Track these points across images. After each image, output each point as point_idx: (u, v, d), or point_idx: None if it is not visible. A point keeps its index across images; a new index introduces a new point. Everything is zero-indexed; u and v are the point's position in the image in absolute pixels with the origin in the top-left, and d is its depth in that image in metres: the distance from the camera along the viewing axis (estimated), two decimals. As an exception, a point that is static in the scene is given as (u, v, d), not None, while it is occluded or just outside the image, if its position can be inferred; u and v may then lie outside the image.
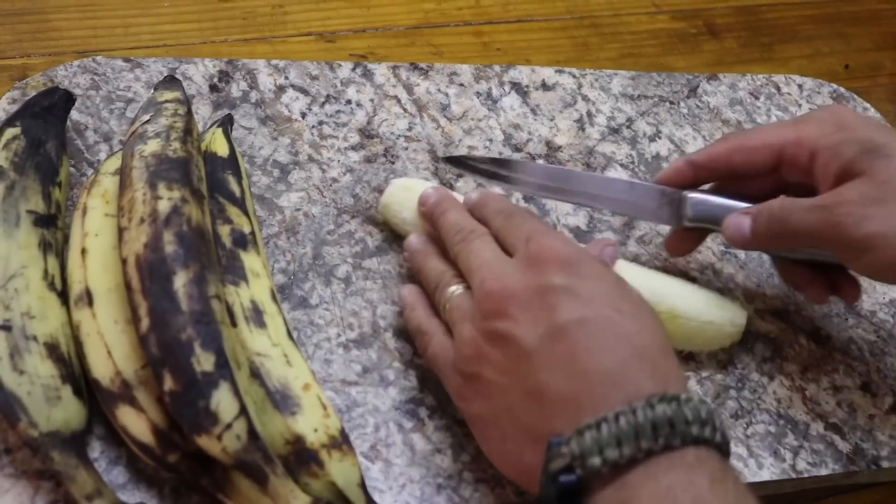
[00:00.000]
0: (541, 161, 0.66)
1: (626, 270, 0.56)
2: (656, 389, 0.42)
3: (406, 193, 0.58)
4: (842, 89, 0.75)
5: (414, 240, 0.56)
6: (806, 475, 0.55)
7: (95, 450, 0.48)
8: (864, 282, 0.63)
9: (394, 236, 0.60)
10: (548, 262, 0.47)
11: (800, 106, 0.73)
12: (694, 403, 0.41)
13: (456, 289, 0.51)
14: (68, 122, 0.59)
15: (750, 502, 0.40)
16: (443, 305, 0.51)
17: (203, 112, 0.63)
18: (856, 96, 0.75)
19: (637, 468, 0.40)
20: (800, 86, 0.74)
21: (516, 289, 0.47)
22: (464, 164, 0.61)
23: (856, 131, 0.52)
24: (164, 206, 0.48)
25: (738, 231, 0.54)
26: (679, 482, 0.39)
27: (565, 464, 0.41)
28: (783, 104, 0.73)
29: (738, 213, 0.54)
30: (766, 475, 0.54)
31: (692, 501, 0.39)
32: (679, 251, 0.60)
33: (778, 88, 0.74)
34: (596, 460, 0.40)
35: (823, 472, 0.55)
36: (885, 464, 0.56)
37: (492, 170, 0.60)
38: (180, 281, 0.45)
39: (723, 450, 0.42)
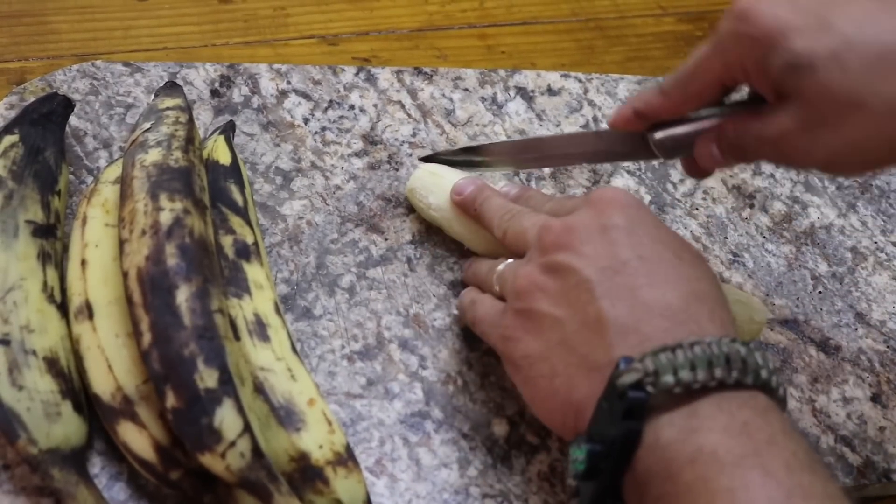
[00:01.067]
0: (547, 168, 0.65)
1: None
2: (717, 332, 0.42)
3: (432, 179, 0.58)
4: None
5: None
6: (816, 489, 0.54)
7: (96, 465, 0.48)
8: (874, 291, 0.63)
9: (399, 245, 0.59)
10: (610, 204, 0.47)
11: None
12: (762, 352, 0.41)
13: (507, 262, 0.51)
14: (67, 129, 0.58)
15: (814, 457, 0.40)
16: (494, 279, 0.51)
17: (204, 118, 0.62)
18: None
19: (708, 397, 0.40)
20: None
21: (577, 224, 0.47)
22: (440, 160, 0.60)
23: (775, 40, 0.46)
24: (165, 218, 0.47)
25: (711, 160, 0.51)
26: (754, 420, 0.39)
27: (636, 379, 0.40)
28: (791, 109, 0.72)
29: (705, 139, 0.51)
30: (776, 489, 0.54)
31: (768, 441, 0.39)
32: (696, 173, 0.55)
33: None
34: (669, 378, 0.40)
35: (834, 485, 0.54)
36: (895, 477, 0.55)
37: (467, 159, 0.60)
38: (183, 295, 0.44)
39: (783, 402, 0.42)
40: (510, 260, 0.51)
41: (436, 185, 0.58)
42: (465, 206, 0.56)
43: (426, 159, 0.61)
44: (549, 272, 0.46)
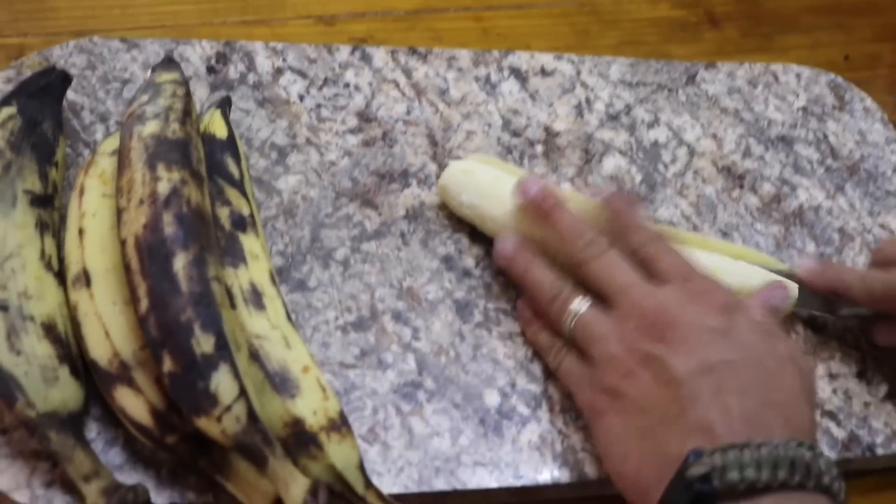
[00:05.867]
0: (539, 147, 0.65)
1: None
2: (788, 436, 0.44)
3: (465, 176, 0.59)
4: (839, 79, 0.75)
5: (509, 245, 0.56)
6: (802, 462, 0.55)
7: (92, 431, 0.48)
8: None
9: (392, 220, 0.59)
10: (709, 302, 0.49)
11: (797, 95, 0.73)
12: (826, 458, 0.43)
13: (582, 303, 0.52)
14: (64, 103, 0.58)
15: None
16: (566, 319, 0.52)
17: (200, 94, 0.63)
18: (854, 87, 0.75)
19: (770, 496, 0.42)
20: (797, 75, 0.74)
21: (676, 319, 0.48)
22: None
23: None
24: (163, 188, 0.48)
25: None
26: None
27: (704, 472, 0.42)
28: (781, 93, 0.73)
29: None
30: (762, 462, 0.55)
31: None
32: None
33: (776, 77, 0.74)
34: (735, 475, 0.42)
35: (819, 459, 0.55)
36: (879, 451, 0.56)
37: None
38: (180, 262, 0.45)
39: None
40: (586, 302, 0.52)
41: (468, 183, 0.58)
42: (534, 212, 0.56)
43: None
44: (643, 361, 0.48)
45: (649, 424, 0.47)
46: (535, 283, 0.55)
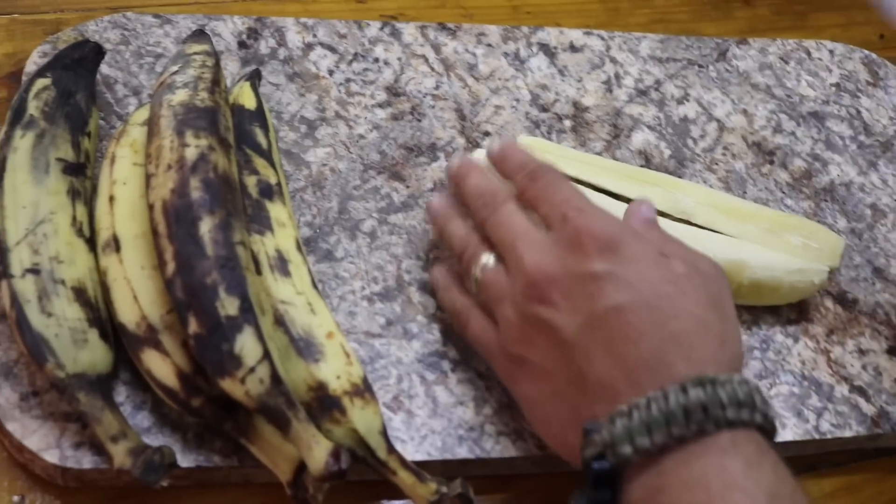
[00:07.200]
0: (568, 122, 0.65)
1: (706, 240, 0.56)
2: (691, 373, 0.41)
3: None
4: (874, 56, 0.74)
5: (435, 201, 0.55)
6: (829, 437, 0.55)
7: (121, 394, 0.49)
8: (893, 248, 0.63)
9: (420, 192, 0.60)
10: (587, 245, 0.46)
11: (830, 71, 0.72)
12: (732, 385, 0.40)
13: (486, 261, 0.50)
14: (98, 77, 0.59)
15: (788, 485, 0.40)
16: (473, 279, 0.51)
17: (231, 68, 0.63)
18: (888, 63, 0.74)
19: (670, 454, 0.40)
20: (831, 51, 0.74)
21: (557, 274, 0.46)
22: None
23: None
24: (191, 154, 0.48)
25: None
26: (711, 468, 0.39)
27: (598, 451, 0.41)
28: (814, 69, 0.72)
29: None
30: (788, 436, 0.54)
31: (724, 487, 0.38)
32: None
33: (808, 54, 0.73)
34: (626, 448, 0.40)
35: (847, 434, 0.55)
36: (909, 427, 0.56)
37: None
38: (206, 226, 0.46)
39: (765, 429, 0.41)
40: (491, 259, 0.50)
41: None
42: (453, 185, 0.55)
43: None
44: (534, 326, 0.46)
45: (559, 389, 0.46)
46: (448, 237, 0.53)
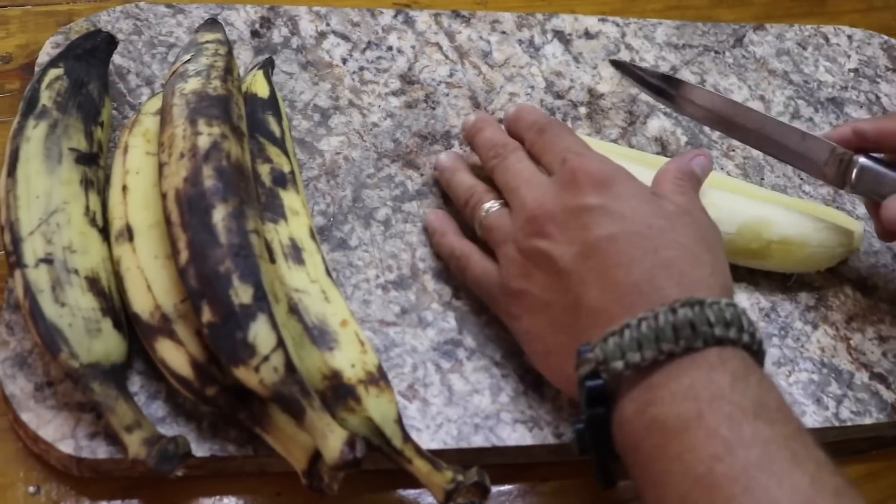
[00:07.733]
0: (583, 109, 0.65)
1: (733, 201, 0.56)
2: (681, 296, 0.43)
3: None
4: (893, 41, 0.73)
5: (443, 156, 0.58)
6: (849, 424, 0.54)
7: (135, 384, 0.49)
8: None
9: (434, 180, 0.59)
10: (582, 182, 0.48)
11: (849, 57, 0.72)
12: (719, 306, 0.42)
13: (491, 206, 0.53)
14: (111, 67, 0.59)
15: (773, 397, 0.41)
16: (478, 222, 0.53)
17: (244, 57, 0.63)
18: (908, 48, 0.73)
19: (660, 370, 0.41)
20: (849, 37, 0.73)
21: (554, 209, 0.49)
22: (630, 71, 0.61)
23: None
24: (203, 142, 0.48)
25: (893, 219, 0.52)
26: (700, 381, 0.41)
27: (591, 369, 0.43)
28: (832, 55, 0.71)
29: None
30: (808, 423, 0.54)
31: (712, 398, 0.40)
32: (884, 235, 0.56)
33: (826, 39, 0.72)
34: (618, 364, 0.42)
35: (867, 421, 0.54)
36: (931, 414, 0.55)
37: (658, 84, 0.60)
38: (219, 214, 0.45)
39: (752, 349, 0.43)
40: (496, 204, 0.53)
41: None
42: (467, 141, 0.58)
43: (616, 64, 0.63)
44: (533, 259, 0.49)
45: (557, 318, 0.47)
46: (454, 187, 0.56)
